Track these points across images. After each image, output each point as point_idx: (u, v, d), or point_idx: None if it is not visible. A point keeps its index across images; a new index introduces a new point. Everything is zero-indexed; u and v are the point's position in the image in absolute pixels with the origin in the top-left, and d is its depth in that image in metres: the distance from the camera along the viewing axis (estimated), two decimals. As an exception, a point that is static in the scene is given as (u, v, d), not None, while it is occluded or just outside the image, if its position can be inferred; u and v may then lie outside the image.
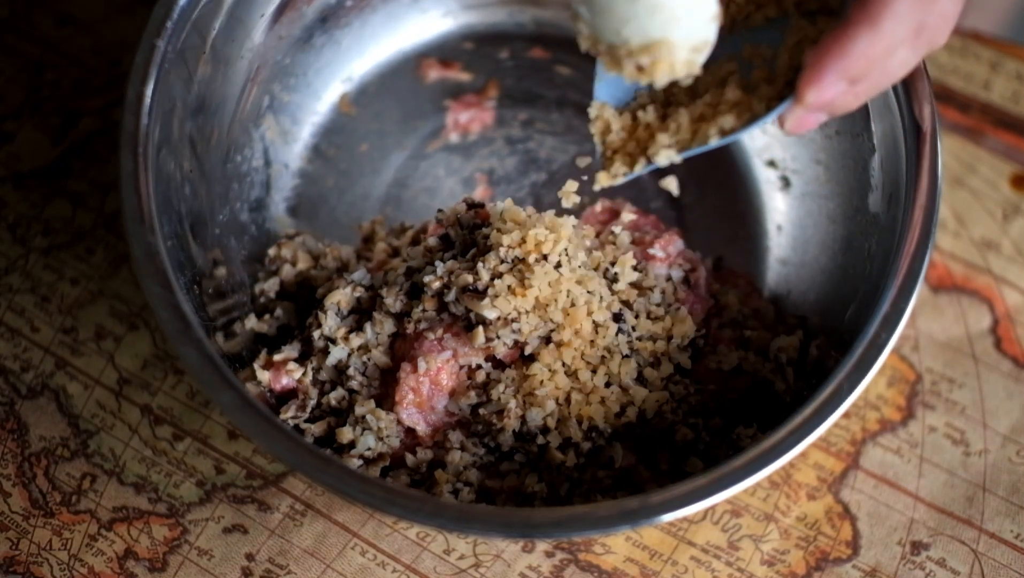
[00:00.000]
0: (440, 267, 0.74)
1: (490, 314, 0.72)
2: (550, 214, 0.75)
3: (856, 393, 0.70)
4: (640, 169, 0.72)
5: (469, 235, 0.76)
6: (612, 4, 0.65)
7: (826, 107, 0.66)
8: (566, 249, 0.74)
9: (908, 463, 0.82)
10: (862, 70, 0.64)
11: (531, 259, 0.73)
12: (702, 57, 0.67)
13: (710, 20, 0.66)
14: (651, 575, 0.79)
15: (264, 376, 0.77)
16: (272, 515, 0.80)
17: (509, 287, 0.72)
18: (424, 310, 0.75)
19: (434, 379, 0.74)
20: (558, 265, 0.73)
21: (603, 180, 0.73)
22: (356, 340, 0.76)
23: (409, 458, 0.75)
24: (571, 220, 0.75)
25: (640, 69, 0.67)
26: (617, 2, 0.65)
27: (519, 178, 0.89)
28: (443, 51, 0.91)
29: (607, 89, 0.74)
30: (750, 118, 0.69)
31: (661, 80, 0.67)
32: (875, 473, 0.82)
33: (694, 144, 0.70)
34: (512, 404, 0.73)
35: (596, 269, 0.76)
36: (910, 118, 0.75)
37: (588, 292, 0.75)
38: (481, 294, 0.73)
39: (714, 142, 0.70)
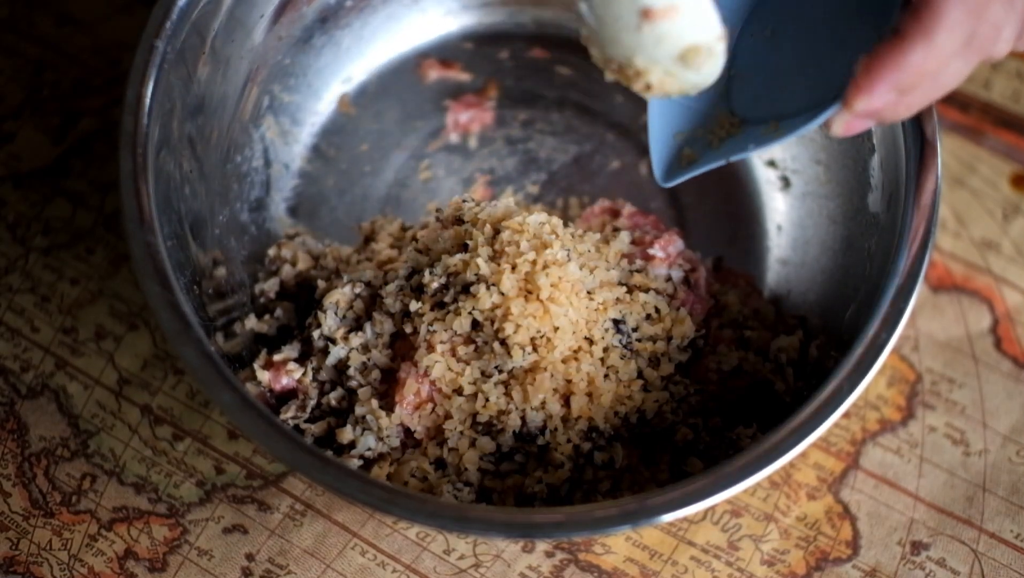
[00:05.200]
0: (440, 267, 0.74)
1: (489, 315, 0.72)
2: (554, 219, 0.75)
3: (856, 393, 0.70)
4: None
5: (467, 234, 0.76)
6: (619, 36, 0.66)
7: (874, 115, 0.66)
8: (567, 250, 0.74)
9: (908, 463, 0.82)
10: (913, 83, 0.64)
11: (531, 259, 0.73)
12: (703, 77, 0.67)
13: (716, 40, 0.66)
14: (651, 575, 0.79)
15: (264, 376, 0.77)
16: (272, 515, 0.80)
17: (509, 287, 0.72)
18: (424, 310, 0.75)
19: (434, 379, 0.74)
20: (558, 265, 0.73)
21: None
22: (356, 340, 0.76)
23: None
24: (570, 221, 0.75)
25: (648, 87, 0.68)
26: (623, 34, 0.65)
27: (519, 178, 0.89)
28: (443, 51, 0.91)
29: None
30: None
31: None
32: (875, 473, 0.82)
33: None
34: (512, 404, 0.73)
35: (596, 269, 0.76)
36: (910, 118, 0.74)
37: (588, 292, 0.75)
38: (480, 294, 0.73)
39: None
